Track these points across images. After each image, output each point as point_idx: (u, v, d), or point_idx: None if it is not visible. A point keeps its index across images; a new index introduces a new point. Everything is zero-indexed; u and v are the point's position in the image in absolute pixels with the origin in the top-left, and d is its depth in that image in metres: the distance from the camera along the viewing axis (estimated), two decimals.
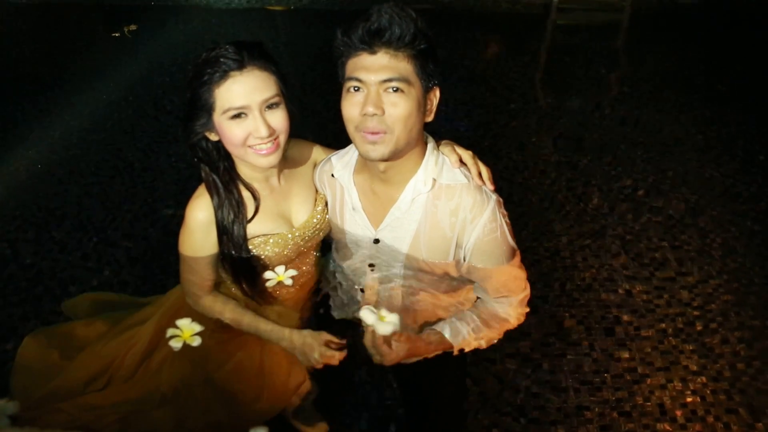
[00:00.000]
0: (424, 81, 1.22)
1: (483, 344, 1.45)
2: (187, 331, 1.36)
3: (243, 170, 1.39)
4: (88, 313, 1.79)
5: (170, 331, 1.36)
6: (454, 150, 1.36)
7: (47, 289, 2.32)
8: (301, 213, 1.47)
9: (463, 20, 4.75)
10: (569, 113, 3.56)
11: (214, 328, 1.48)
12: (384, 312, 1.22)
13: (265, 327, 1.47)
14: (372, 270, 1.48)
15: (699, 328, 2.20)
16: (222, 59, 1.22)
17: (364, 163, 1.36)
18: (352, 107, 1.21)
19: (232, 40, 1.27)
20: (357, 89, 1.21)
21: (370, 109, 1.18)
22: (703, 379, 2.03)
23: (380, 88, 1.18)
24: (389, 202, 1.35)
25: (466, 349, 1.44)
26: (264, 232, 1.41)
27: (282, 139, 1.31)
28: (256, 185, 1.40)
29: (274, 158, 1.31)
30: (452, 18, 4.75)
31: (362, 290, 1.56)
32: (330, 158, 1.48)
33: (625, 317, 2.25)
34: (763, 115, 3.51)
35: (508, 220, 1.34)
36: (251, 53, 1.24)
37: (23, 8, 4.97)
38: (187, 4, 4.91)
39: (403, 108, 1.19)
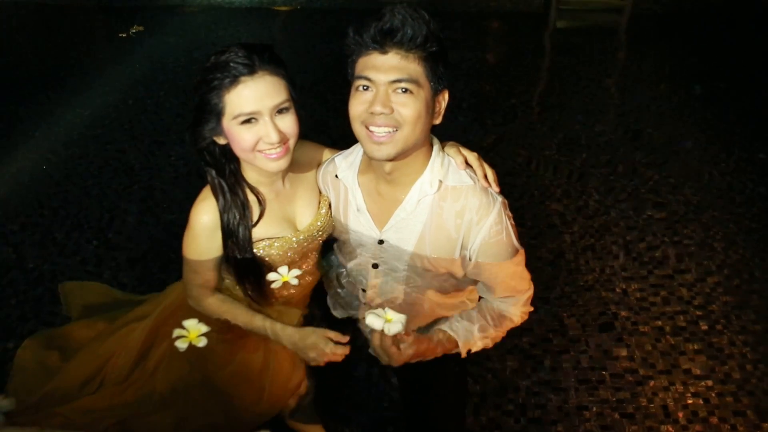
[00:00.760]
0: (434, 83, 1.22)
1: (489, 344, 1.45)
2: (193, 332, 1.36)
3: (249, 174, 1.38)
4: (83, 305, 1.78)
5: (176, 332, 1.35)
6: (460, 151, 1.36)
7: (47, 289, 2.32)
8: (306, 216, 1.47)
9: (463, 20, 4.76)
10: (569, 113, 3.56)
11: (215, 328, 1.47)
12: (390, 313, 1.22)
13: (268, 326, 1.47)
14: (376, 269, 1.48)
15: (704, 327, 2.20)
16: (232, 63, 1.20)
17: (369, 163, 1.36)
18: (359, 105, 1.21)
19: (240, 42, 1.25)
20: (366, 88, 1.20)
21: (378, 108, 1.18)
22: (708, 375, 2.03)
23: (389, 88, 1.18)
24: (394, 203, 1.35)
25: (473, 350, 1.44)
26: (268, 236, 1.41)
27: (291, 143, 1.30)
28: (261, 189, 1.39)
29: (283, 162, 1.30)
30: (452, 18, 4.76)
31: (364, 290, 1.55)
32: (333, 158, 1.47)
33: (623, 313, 2.25)
34: (762, 115, 3.51)
35: (513, 222, 1.34)
36: (262, 57, 1.23)
37: (23, 8, 4.97)
38: (187, 4, 4.91)
39: (411, 109, 1.19)
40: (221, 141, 1.31)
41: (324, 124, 3.24)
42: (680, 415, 1.91)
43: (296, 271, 1.46)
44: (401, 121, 1.19)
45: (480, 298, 1.53)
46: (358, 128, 1.24)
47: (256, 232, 1.39)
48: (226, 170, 1.35)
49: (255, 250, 1.40)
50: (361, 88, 1.21)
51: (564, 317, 2.24)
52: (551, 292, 2.34)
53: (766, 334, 2.16)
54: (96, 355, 1.53)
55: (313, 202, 1.49)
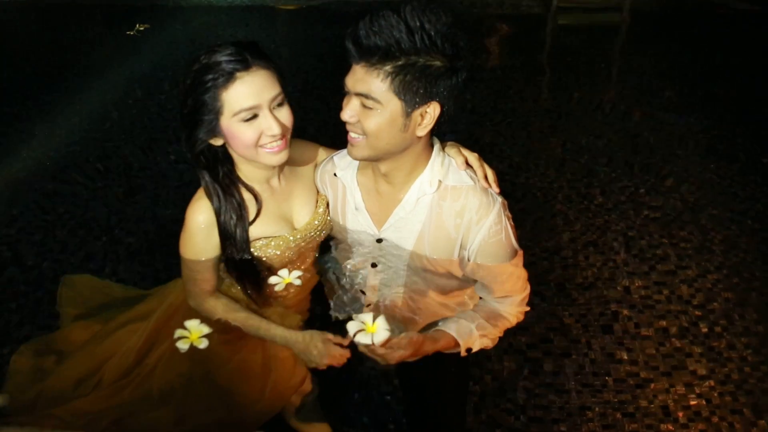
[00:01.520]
0: (408, 98, 1.15)
1: (488, 343, 1.44)
2: (195, 333, 1.35)
3: (244, 172, 1.37)
4: (82, 300, 1.76)
5: (178, 332, 1.35)
6: (460, 152, 1.36)
7: (47, 291, 2.32)
8: (303, 214, 1.47)
9: (463, 20, 4.76)
10: (569, 113, 3.56)
11: (217, 330, 1.47)
12: (378, 321, 1.20)
13: (268, 328, 1.46)
14: (375, 269, 1.48)
15: (704, 330, 2.20)
16: (224, 62, 1.20)
17: (368, 162, 1.35)
18: (342, 108, 1.22)
19: (224, 42, 1.24)
20: (346, 92, 1.21)
21: (343, 116, 1.20)
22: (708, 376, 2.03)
23: (356, 99, 1.19)
24: (393, 202, 1.35)
25: (474, 349, 1.43)
26: (266, 235, 1.40)
27: (288, 136, 1.30)
28: (257, 187, 1.39)
29: (284, 155, 1.30)
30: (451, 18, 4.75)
31: (363, 292, 1.55)
32: (332, 157, 1.47)
33: (625, 312, 2.25)
34: (763, 115, 3.51)
35: (512, 222, 1.34)
36: (253, 52, 1.22)
37: (23, 7, 4.97)
38: (187, 4, 4.91)
39: (372, 123, 1.18)
40: (217, 142, 1.30)
41: (325, 123, 3.24)
42: (680, 414, 1.91)
43: (297, 273, 1.46)
44: (364, 131, 1.20)
45: (479, 298, 1.53)
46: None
47: (253, 231, 1.39)
48: (219, 172, 1.34)
49: (252, 250, 1.39)
50: (345, 91, 1.22)
51: (564, 316, 2.24)
52: (550, 290, 2.34)
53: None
54: (93, 354, 1.53)
55: (311, 201, 1.48)
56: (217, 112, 1.23)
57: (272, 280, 1.45)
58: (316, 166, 1.51)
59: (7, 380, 1.54)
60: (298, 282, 1.46)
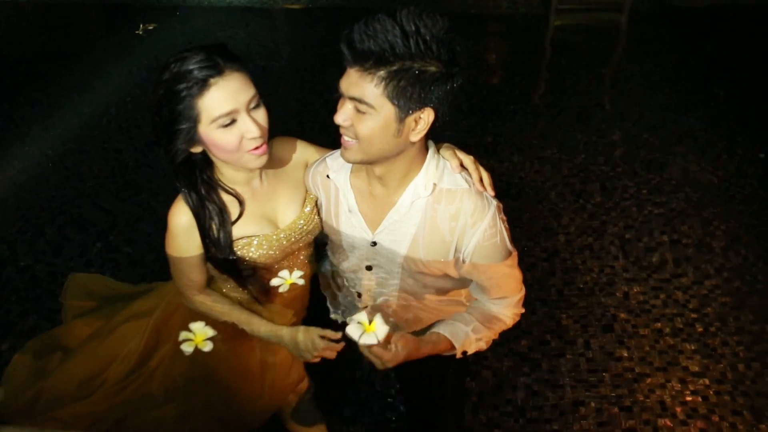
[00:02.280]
0: (402, 104, 1.13)
1: (483, 345, 1.44)
2: (200, 336, 1.36)
3: (225, 175, 1.36)
4: (86, 293, 1.77)
5: (183, 335, 1.36)
6: (455, 154, 1.35)
7: (46, 290, 2.32)
8: (288, 213, 1.46)
9: (463, 20, 4.75)
10: (568, 112, 3.55)
11: (221, 336, 1.47)
12: (375, 320, 1.20)
13: (258, 324, 1.47)
14: (370, 272, 1.48)
15: (700, 329, 2.21)
16: (196, 69, 1.17)
17: (362, 164, 1.35)
18: (336, 111, 1.21)
19: (192, 47, 1.21)
20: (340, 96, 1.20)
21: (336, 120, 1.19)
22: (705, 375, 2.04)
23: (350, 103, 1.17)
24: (387, 205, 1.34)
25: (469, 351, 1.43)
26: (248, 234, 1.39)
27: (266, 137, 1.29)
28: (238, 188, 1.37)
29: (266, 157, 1.29)
30: (452, 18, 4.75)
31: (359, 294, 1.56)
32: (325, 159, 1.46)
33: (623, 315, 2.26)
34: (763, 115, 3.51)
35: (507, 225, 1.34)
36: (224, 56, 1.20)
37: (23, 7, 4.97)
38: (187, 4, 4.90)
39: (365, 128, 1.17)
40: (197, 150, 1.28)
41: (324, 124, 3.24)
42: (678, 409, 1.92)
43: (298, 272, 1.47)
44: (357, 136, 1.19)
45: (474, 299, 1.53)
46: None
47: (235, 231, 1.38)
48: (198, 181, 1.33)
49: (235, 249, 1.39)
50: (339, 94, 1.20)
51: (562, 318, 2.25)
52: (549, 294, 2.34)
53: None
54: (95, 355, 1.53)
55: (297, 200, 1.47)
56: (194, 121, 1.21)
57: (275, 282, 1.46)
58: (305, 165, 1.50)
59: (6, 377, 1.55)
60: (301, 282, 1.46)
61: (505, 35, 4.66)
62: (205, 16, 4.75)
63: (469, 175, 1.33)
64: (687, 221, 2.70)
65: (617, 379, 2.04)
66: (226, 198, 1.37)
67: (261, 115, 1.26)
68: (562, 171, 3.04)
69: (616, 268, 2.47)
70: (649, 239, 2.60)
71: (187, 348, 1.34)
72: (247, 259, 1.41)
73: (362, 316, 1.21)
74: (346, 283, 1.59)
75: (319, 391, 1.73)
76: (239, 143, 1.24)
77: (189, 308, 1.50)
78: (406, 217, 1.33)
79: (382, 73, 1.11)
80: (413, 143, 1.23)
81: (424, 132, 1.21)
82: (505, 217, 1.34)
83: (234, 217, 1.37)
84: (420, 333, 1.50)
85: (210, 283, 1.50)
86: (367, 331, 1.19)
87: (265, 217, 1.43)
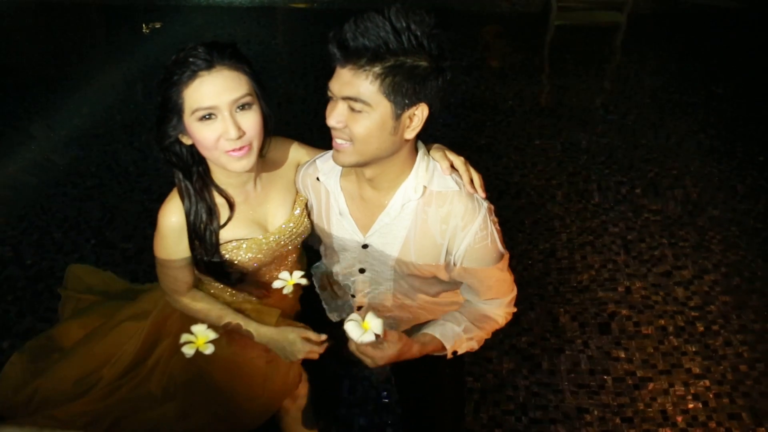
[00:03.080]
0: (398, 100, 1.13)
1: (475, 345, 1.43)
2: (201, 338, 1.36)
3: (218, 176, 1.36)
4: (86, 286, 1.77)
5: (184, 337, 1.35)
6: (446, 156, 1.34)
7: (46, 287, 2.32)
8: (278, 217, 1.45)
9: (462, 20, 4.75)
10: (568, 112, 3.55)
11: (224, 339, 1.47)
12: (369, 318, 1.20)
13: (243, 324, 1.47)
14: (362, 274, 1.48)
15: (701, 329, 2.21)
16: (191, 59, 1.19)
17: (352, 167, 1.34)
18: (327, 113, 1.20)
19: (203, 42, 1.23)
20: (330, 98, 1.19)
21: (329, 122, 1.18)
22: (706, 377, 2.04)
23: (342, 103, 1.16)
24: (378, 208, 1.34)
25: (459, 352, 1.42)
26: (237, 237, 1.39)
27: (255, 143, 1.27)
28: (230, 191, 1.37)
29: (246, 162, 1.27)
30: (451, 18, 4.75)
31: (353, 295, 1.55)
32: (315, 161, 1.44)
33: (624, 312, 2.26)
34: (762, 115, 3.51)
35: (498, 227, 1.33)
36: (221, 53, 1.21)
37: (24, 7, 4.97)
38: (187, 4, 4.91)
39: (360, 127, 1.16)
40: (187, 141, 1.29)
41: (324, 124, 3.23)
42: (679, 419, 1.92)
43: (299, 272, 1.47)
44: (352, 137, 1.17)
45: (465, 300, 1.52)
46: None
47: (225, 234, 1.38)
48: (193, 173, 1.33)
49: (223, 252, 1.38)
50: (329, 96, 1.20)
51: (560, 315, 2.25)
52: (547, 291, 2.34)
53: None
54: (91, 354, 1.53)
55: (287, 203, 1.46)
56: (179, 109, 1.23)
57: (276, 284, 1.45)
58: (296, 166, 1.49)
59: (3, 375, 1.55)
60: (303, 281, 1.46)
61: (504, 35, 4.66)
62: (205, 16, 4.75)
63: (460, 176, 1.32)
64: (687, 221, 2.70)
65: (618, 384, 2.04)
66: (218, 200, 1.37)
67: (249, 118, 1.25)
68: (563, 171, 3.03)
69: (617, 266, 2.46)
70: (651, 240, 2.60)
71: (188, 350, 1.34)
72: (235, 261, 1.41)
73: (356, 316, 1.21)
74: (339, 284, 1.59)
75: (317, 393, 1.72)
76: (216, 141, 1.23)
77: None
78: (397, 220, 1.32)
79: (377, 69, 1.11)
80: (407, 141, 1.23)
81: (419, 129, 1.21)
82: (496, 219, 1.33)
83: (223, 220, 1.37)
84: (411, 333, 1.51)
85: (198, 284, 1.50)
86: (364, 328, 1.19)
87: (256, 221, 1.42)
